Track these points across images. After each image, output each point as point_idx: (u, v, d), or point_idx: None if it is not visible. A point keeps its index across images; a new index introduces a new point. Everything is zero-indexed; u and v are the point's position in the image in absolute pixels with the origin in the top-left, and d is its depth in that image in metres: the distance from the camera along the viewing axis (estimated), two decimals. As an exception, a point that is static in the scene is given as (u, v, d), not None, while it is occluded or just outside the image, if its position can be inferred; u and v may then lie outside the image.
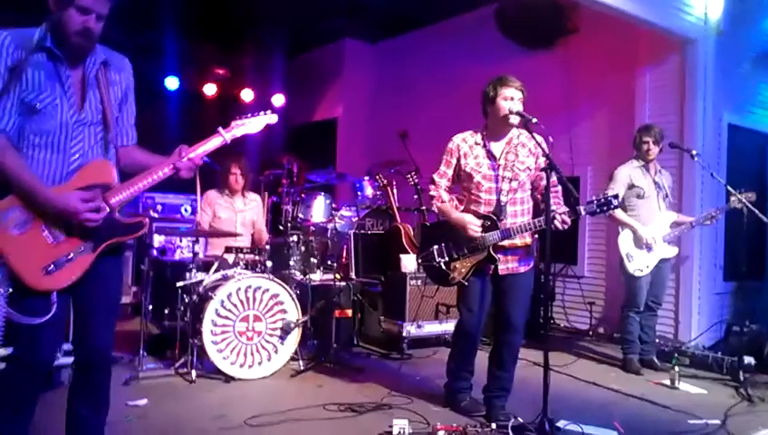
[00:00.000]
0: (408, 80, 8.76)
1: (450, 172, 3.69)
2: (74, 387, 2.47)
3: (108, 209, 2.30)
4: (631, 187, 4.92)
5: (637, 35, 6.08)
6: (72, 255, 2.25)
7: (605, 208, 3.30)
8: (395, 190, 6.36)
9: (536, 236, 3.85)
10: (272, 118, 2.61)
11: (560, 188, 3.54)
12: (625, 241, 4.89)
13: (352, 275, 5.74)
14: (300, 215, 5.73)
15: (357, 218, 6.25)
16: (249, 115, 2.59)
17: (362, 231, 6.06)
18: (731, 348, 5.16)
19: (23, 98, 2.21)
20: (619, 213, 4.83)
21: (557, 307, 6.73)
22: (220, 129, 2.51)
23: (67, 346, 3.71)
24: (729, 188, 4.71)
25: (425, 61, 8.46)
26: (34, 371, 2.27)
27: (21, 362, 2.18)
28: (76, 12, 2.21)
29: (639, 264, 4.85)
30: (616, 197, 3.30)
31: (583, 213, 3.34)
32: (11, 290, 2.13)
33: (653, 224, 4.89)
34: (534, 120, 3.34)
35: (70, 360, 3.87)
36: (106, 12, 2.28)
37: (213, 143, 2.49)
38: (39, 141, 2.25)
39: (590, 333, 6.41)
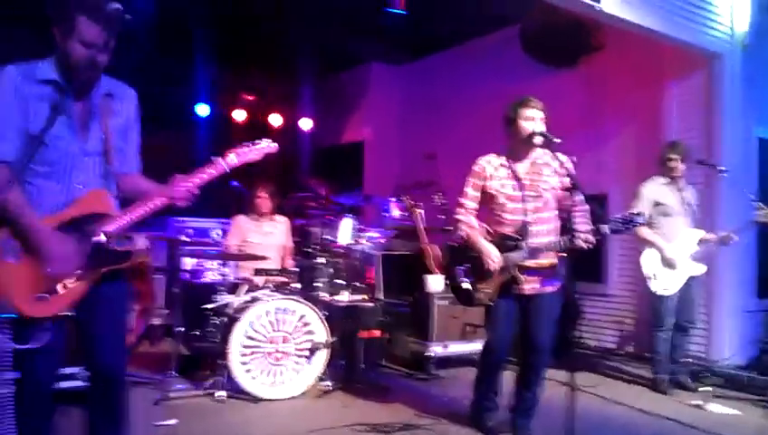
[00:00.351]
0: (434, 101, 8.83)
1: (477, 194, 3.70)
2: (91, 406, 2.50)
3: (103, 238, 2.35)
4: (657, 204, 4.85)
5: (662, 51, 6.04)
6: (65, 283, 2.29)
7: (628, 226, 3.28)
8: (422, 211, 6.39)
9: (564, 255, 3.81)
10: (272, 147, 2.64)
11: (586, 207, 3.51)
12: (648, 260, 4.83)
13: (380, 295, 5.77)
14: (327, 237, 5.79)
15: (384, 239, 6.28)
16: (249, 144, 2.60)
17: (389, 252, 6.09)
18: (765, 367, 5.05)
19: (28, 129, 2.26)
20: (644, 231, 4.78)
21: (585, 326, 6.65)
22: (218, 158, 2.52)
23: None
24: (756, 203, 4.64)
25: (451, 82, 8.52)
26: (34, 393, 2.32)
27: (22, 385, 2.24)
28: (80, 45, 2.26)
29: (665, 283, 4.77)
30: (640, 214, 3.28)
31: (606, 231, 3.32)
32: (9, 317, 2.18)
33: (677, 241, 4.81)
34: (557, 139, 3.34)
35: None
36: (109, 40, 2.32)
37: (209, 172, 2.50)
38: (43, 171, 2.31)
39: (619, 352, 6.32)
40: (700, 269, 4.87)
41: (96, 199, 2.41)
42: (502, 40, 7.66)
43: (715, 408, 4.42)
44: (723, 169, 4.89)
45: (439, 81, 8.77)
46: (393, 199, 6.70)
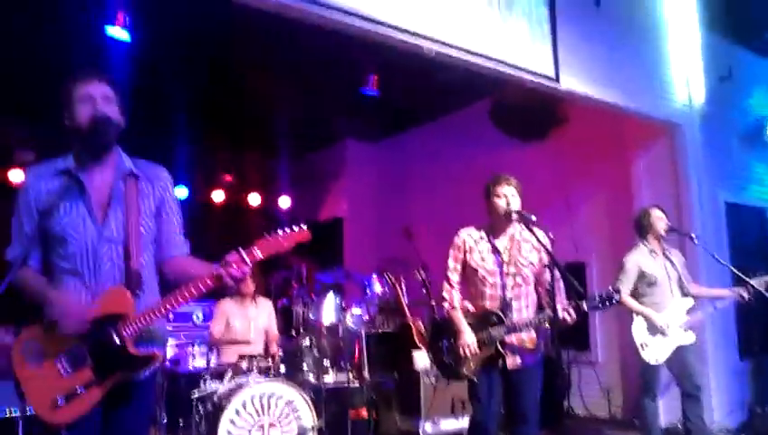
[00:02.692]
0: (409, 175, 9.02)
1: (459, 267, 3.76)
2: None
3: (118, 342, 2.23)
4: (642, 275, 4.78)
5: (624, 122, 6.29)
6: (79, 389, 2.19)
7: (607, 304, 3.36)
8: (404, 286, 6.42)
9: (546, 325, 3.86)
10: (304, 234, 2.38)
11: (562, 283, 3.59)
12: (638, 329, 4.76)
13: (365, 374, 5.73)
14: (310, 316, 5.79)
15: (367, 316, 6.28)
16: (279, 232, 2.35)
17: (373, 329, 6.09)
18: (756, 431, 5.06)
19: (44, 226, 2.24)
20: (630, 301, 4.75)
21: (574, 395, 6.64)
22: (241, 251, 2.28)
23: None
24: (736, 272, 4.68)
25: (425, 156, 8.73)
26: None
27: None
28: (80, 105, 2.28)
29: (655, 352, 4.70)
30: (617, 290, 3.36)
31: (586, 309, 3.39)
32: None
33: (667, 310, 4.73)
34: (533, 217, 3.45)
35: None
36: (109, 93, 2.33)
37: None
38: (69, 267, 2.26)
39: (608, 419, 6.30)
40: (689, 338, 4.73)
41: (115, 298, 2.27)
42: (473, 114, 7.90)
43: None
44: (694, 235, 4.99)
45: (413, 156, 8.99)
46: (375, 275, 6.74)
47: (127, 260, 2.31)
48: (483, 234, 3.75)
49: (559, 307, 3.37)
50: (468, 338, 3.56)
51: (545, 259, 3.57)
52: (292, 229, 2.37)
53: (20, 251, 2.28)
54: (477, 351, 3.55)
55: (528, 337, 3.62)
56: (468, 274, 3.75)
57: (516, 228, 3.73)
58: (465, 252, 3.74)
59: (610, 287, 3.43)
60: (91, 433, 2.26)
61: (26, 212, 2.30)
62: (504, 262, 3.66)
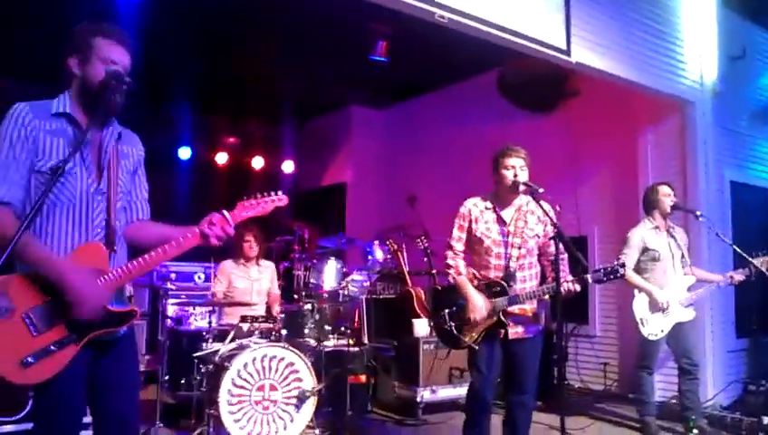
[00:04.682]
0: (415, 144, 8.96)
1: (464, 236, 3.76)
2: None
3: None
4: (645, 250, 4.82)
5: (635, 97, 6.21)
6: (53, 347, 2.08)
7: (611, 277, 3.38)
8: (405, 254, 6.44)
9: (546, 297, 3.88)
10: (282, 200, 2.47)
11: (566, 255, 3.61)
12: (639, 305, 4.79)
13: (365, 339, 5.78)
14: (312, 280, 5.81)
15: (368, 283, 6.31)
16: (257, 197, 2.43)
17: (374, 296, 6.12)
18: (749, 408, 5.11)
19: (41, 166, 2.16)
20: (634, 277, 4.77)
21: (570, 368, 6.69)
22: (225, 212, 2.33)
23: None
24: (737, 249, 4.72)
25: (432, 125, 8.67)
26: None
27: None
28: (103, 64, 2.25)
29: (654, 328, 4.74)
30: (623, 265, 3.37)
31: (591, 281, 3.42)
32: None
33: (669, 287, 4.77)
34: (541, 189, 3.44)
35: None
36: (129, 64, 2.32)
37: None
38: (60, 208, 2.19)
39: (605, 393, 6.36)
40: (688, 315, 4.78)
41: (93, 254, 2.23)
42: (482, 83, 7.82)
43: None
44: (699, 213, 4.98)
45: (420, 124, 8.92)
46: (376, 242, 6.75)
47: (108, 216, 2.30)
48: (489, 204, 3.74)
49: (563, 279, 3.39)
50: (478, 303, 3.57)
51: (550, 231, 3.58)
52: (270, 194, 2.45)
53: (10, 190, 2.14)
54: (485, 316, 3.56)
55: (530, 307, 3.64)
56: (473, 243, 3.75)
57: (523, 200, 3.73)
58: (470, 221, 3.74)
59: (616, 261, 3.44)
60: (73, 387, 2.19)
61: (19, 142, 2.16)
62: (509, 233, 3.66)
